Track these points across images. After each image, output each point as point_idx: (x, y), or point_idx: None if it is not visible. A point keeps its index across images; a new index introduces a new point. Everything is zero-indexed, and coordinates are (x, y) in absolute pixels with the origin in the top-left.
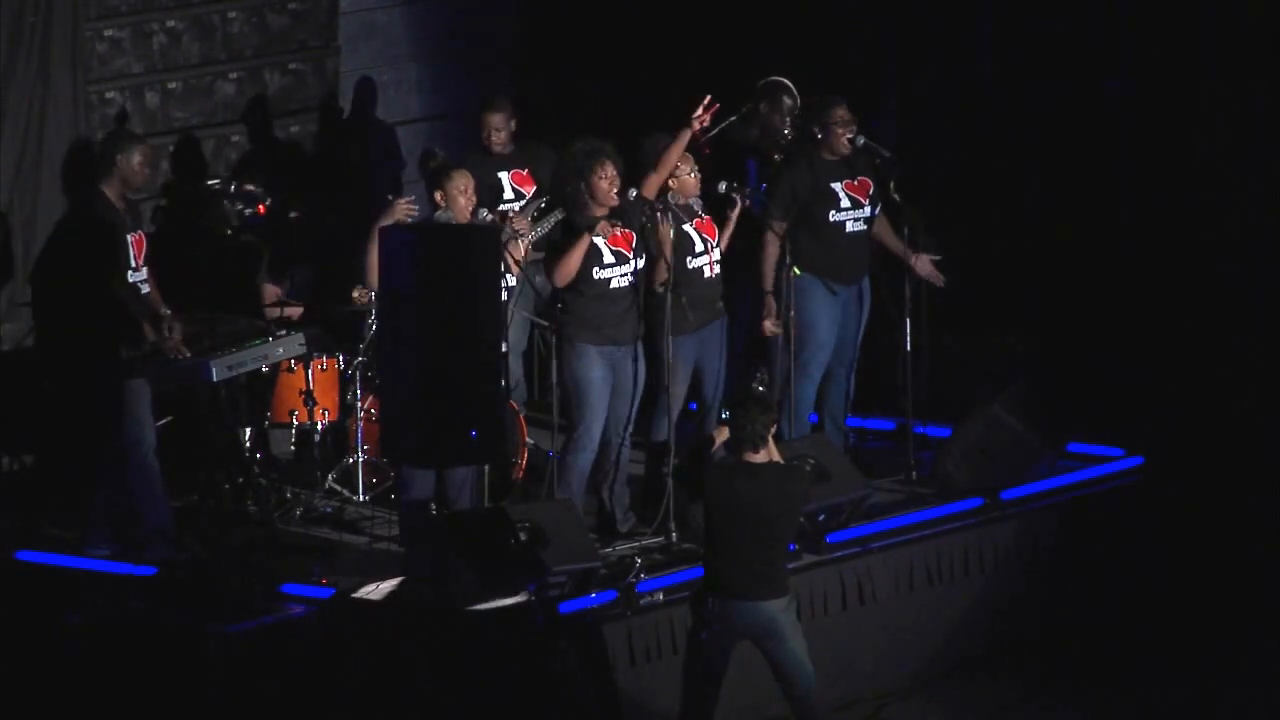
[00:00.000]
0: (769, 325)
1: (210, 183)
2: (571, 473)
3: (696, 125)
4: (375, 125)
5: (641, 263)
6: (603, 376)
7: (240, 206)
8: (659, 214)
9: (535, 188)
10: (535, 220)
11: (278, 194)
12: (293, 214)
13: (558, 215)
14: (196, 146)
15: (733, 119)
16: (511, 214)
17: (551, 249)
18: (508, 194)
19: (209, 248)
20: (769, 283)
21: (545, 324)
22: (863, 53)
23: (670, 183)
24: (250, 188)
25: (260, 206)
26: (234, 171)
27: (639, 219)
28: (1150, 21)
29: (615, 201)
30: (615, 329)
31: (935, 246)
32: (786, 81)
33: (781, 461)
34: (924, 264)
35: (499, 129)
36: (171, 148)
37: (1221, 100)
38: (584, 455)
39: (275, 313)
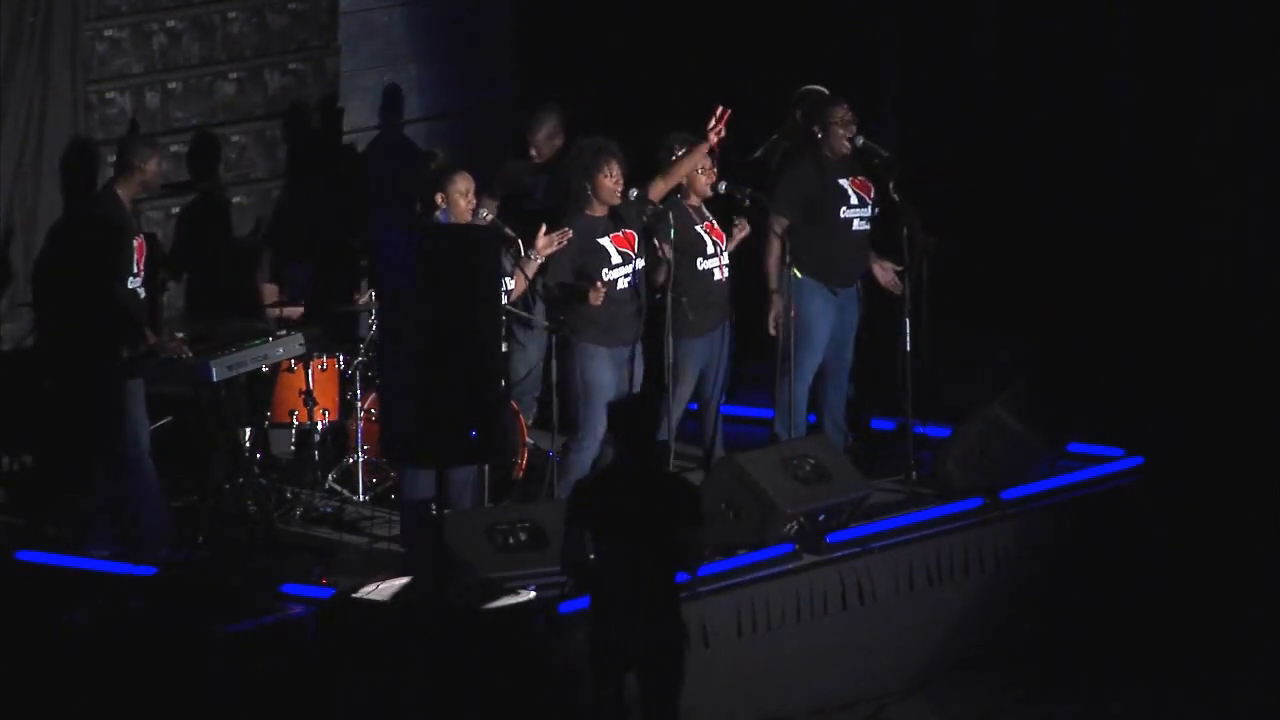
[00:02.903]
0: (772, 323)
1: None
2: (573, 472)
3: (714, 139)
4: (375, 125)
5: (642, 263)
6: (612, 379)
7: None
8: (661, 219)
9: None
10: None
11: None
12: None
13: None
14: (213, 144)
15: (775, 138)
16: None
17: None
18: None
19: (213, 250)
20: (773, 281)
21: (544, 325)
22: (863, 53)
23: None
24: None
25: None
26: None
27: (639, 219)
28: (1150, 21)
29: (618, 200)
30: (623, 330)
31: (934, 246)
32: (824, 90)
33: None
34: (885, 273)
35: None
36: (176, 147)
37: (1221, 100)
38: (586, 455)
39: (275, 313)
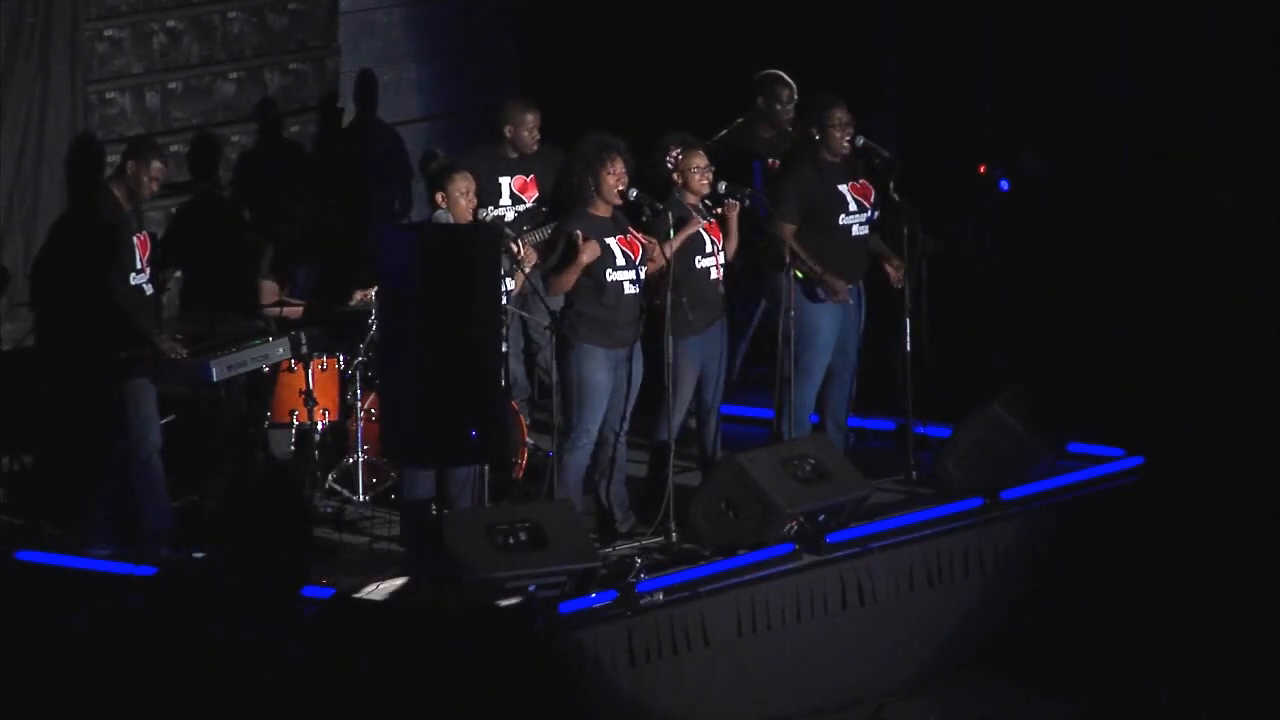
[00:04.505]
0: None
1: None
2: (570, 472)
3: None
4: (375, 125)
5: (644, 271)
6: (607, 380)
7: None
8: (660, 220)
9: (537, 195)
10: (531, 229)
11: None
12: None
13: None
14: (213, 144)
15: (739, 121)
16: (522, 244)
17: (551, 263)
18: (504, 199)
19: (214, 248)
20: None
21: (543, 322)
22: (863, 53)
23: (675, 179)
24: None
25: None
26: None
27: (639, 220)
28: (1150, 21)
29: (619, 200)
30: (621, 331)
31: (934, 246)
32: (779, 73)
33: None
34: (895, 271)
35: (532, 129)
36: (176, 147)
37: (1221, 100)
38: (580, 455)
39: (275, 311)
